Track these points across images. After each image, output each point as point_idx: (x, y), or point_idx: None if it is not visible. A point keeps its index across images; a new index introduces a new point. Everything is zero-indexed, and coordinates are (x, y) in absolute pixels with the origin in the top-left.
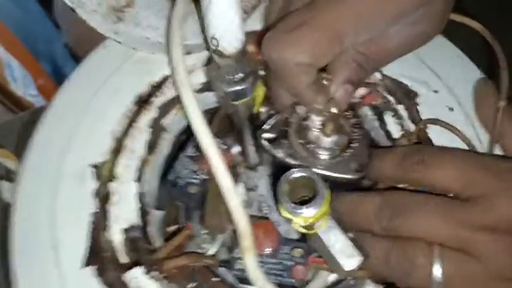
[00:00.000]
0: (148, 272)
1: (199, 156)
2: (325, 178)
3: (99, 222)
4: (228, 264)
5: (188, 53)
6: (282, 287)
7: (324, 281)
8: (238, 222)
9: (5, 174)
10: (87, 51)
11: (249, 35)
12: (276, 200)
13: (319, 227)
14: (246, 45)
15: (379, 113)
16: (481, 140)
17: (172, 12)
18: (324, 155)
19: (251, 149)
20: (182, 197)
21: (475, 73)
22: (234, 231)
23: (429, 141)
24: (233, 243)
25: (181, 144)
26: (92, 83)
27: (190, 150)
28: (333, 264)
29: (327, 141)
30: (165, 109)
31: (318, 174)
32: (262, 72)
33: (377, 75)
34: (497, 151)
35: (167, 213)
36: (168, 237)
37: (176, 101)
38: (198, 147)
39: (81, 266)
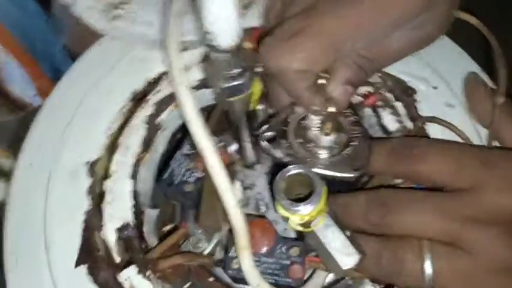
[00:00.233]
0: (142, 271)
1: (195, 154)
2: (325, 177)
3: (93, 220)
4: (223, 263)
5: (185, 49)
6: (278, 286)
7: (322, 281)
8: (234, 222)
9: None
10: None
11: (246, 31)
12: (273, 197)
13: (316, 224)
14: (242, 41)
15: (377, 111)
16: (481, 137)
17: (170, 8)
18: (323, 154)
19: (248, 147)
20: (178, 196)
21: (474, 70)
22: (230, 231)
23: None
24: (229, 242)
25: (178, 142)
26: (88, 80)
27: (186, 148)
28: (330, 263)
29: (326, 140)
30: (161, 106)
31: (317, 173)
32: (259, 69)
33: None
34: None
35: (163, 213)
36: (163, 237)
37: (172, 98)
38: (194, 145)
39: (73, 266)
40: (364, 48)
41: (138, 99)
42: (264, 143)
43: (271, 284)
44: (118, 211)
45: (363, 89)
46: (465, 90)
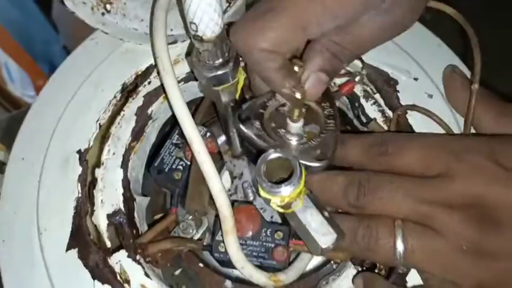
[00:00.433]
0: (132, 255)
1: (185, 144)
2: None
3: (84, 207)
4: (211, 247)
5: (173, 42)
6: (263, 268)
7: (305, 264)
8: (220, 206)
9: None
10: None
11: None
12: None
13: (296, 206)
14: (224, 31)
15: (359, 102)
16: (460, 124)
17: (157, 2)
18: (292, 141)
19: (235, 138)
20: (167, 183)
21: (454, 61)
22: (217, 216)
23: (409, 127)
24: (215, 227)
25: (168, 132)
26: (80, 73)
27: (175, 138)
28: (309, 243)
29: (294, 126)
30: (151, 98)
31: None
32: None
33: (358, 63)
34: None
35: (153, 202)
36: (153, 223)
37: (162, 90)
38: (183, 135)
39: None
40: (336, 35)
41: (129, 91)
42: (237, 122)
43: (256, 266)
44: (109, 198)
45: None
46: (443, 80)
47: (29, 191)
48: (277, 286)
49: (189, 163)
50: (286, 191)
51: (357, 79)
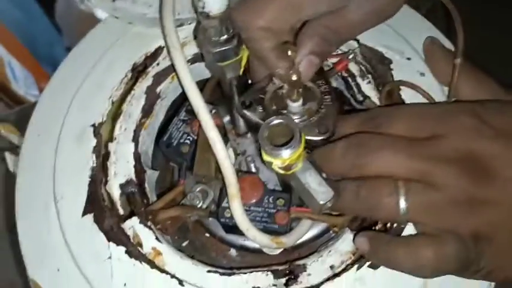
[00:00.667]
0: (143, 222)
1: (191, 120)
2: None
3: (99, 176)
4: (216, 214)
5: (180, 25)
6: (266, 232)
7: (305, 229)
8: (225, 172)
9: (8, 147)
10: None
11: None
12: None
13: (296, 167)
14: (229, 7)
15: (355, 81)
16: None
17: None
18: (294, 119)
19: (239, 116)
20: (175, 156)
21: (444, 43)
22: (221, 189)
23: (402, 102)
24: (221, 197)
25: (176, 110)
26: (93, 55)
27: (183, 115)
28: (309, 201)
29: (294, 106)
30: (159, 78)
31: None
32: None
33: (352, 43)
34: None
35: (162, 177)
36: (162, 194)
37: (170, 70)
38: (190, 112)
39: (80, 215)
40: (327, 19)
41: (139, 71)
42: (241, 108)
43: (259, 229)
44: (122, 169)
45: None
46: (424, 51)
47: (45, 162)
48: (279, 248)
49: (195, 137)
50: (287, 153)
51: (350, 57)
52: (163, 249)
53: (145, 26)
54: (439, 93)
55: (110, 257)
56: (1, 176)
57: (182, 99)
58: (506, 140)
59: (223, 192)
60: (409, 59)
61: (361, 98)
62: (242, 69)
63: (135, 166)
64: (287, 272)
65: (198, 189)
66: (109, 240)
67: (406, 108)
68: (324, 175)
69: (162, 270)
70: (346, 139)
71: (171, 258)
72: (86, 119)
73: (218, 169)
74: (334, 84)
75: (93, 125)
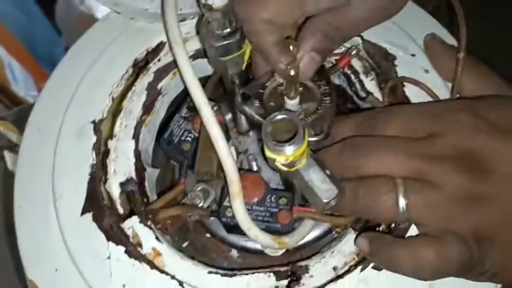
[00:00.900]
0: (143, 221)
1: (193, 117)
2: None
3: (98, 174)
4: (218, 213)
5: (183, 20)
6: (268, 231)
7: (308, 229)
8: (227, 170)
9: (7, 145)
10: None
11: None
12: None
13: (299, 164)
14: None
15: (359, 78)
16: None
17: None
18: None
19: (241, 114)
20: (176, 154)
21: (449, 40)
22: (223, 188)
23: (406, 98)
24: (222, 196)
25: (177, 107)
26: (94, 50)
27: (184, 112)
28: (313, 199)
29: (290, 104)
30: (161, 74)
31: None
32: None
33: (357, 39)
34: None
35: (162, 176)
36: (162, 193)
37: (171, 66)
38: (191, 109)
39: (79, 214)
40: (330, 16)
41: (140, 67)
42: (239, 101)
43: (261, 229)
44: (122, 167)
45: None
46: (425, 48)
47: (44, 159)
48: (281, 248)
49: (197, 135)
50: (290, 149)
51: (353, 53)
52: (163, 250)
53: (147, 21)
54: (443, 90)
55: (109, 257)
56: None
57: (184, 96)
58: (502, 134)
59: (224, 191)
60: (413, 55)
61: (364, 95)
62: (245, 64)
63: (135, 164)
64: (289, 273)
65: (199, 188)
66: (108, 239)
67: (402, 108)
68: (328, 172)
69: (162, 271)
70: (342, 142)
71: (171, 258)
72: (86, 115)
73: (220, 167)
74: (336, 81)
75: (93, 122)
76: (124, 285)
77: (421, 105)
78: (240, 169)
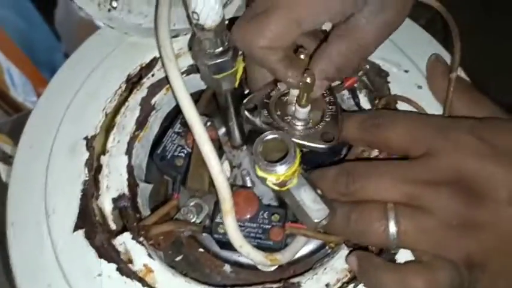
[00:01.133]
0: (136, 237)
1: (186, 132)
2: (300, 147)
3: (90, 190)
4: (211, 229)
5: (176, 36)
6: (260, 248)
7: (300, 246)
8: (219, 187)
9: (1, 157)
10: None
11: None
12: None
13: (290, 184)
14: (224, 20)
15: (354, 93)
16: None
17: None
18: (299, 126)
19: (235, 129)
20: (169, 169)
21: (444, 56)
22: (216, 203)
23: None
24: (215, 212)
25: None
26: (87, 65)
27: (177, 127)
28: (304, 218)
29: (302, 112)
30: (154, 89)
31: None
32: None
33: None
34: None
35: (156, 192)
36: (155, 208)
37: (165, 82)
38: (185, 124)
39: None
40: (343, 44)
41: (133, 82)
42: (245, 112)
43: (253, 246)
44: (114, 183)
45: None
46: (427, 67)
47: (37, 175)
48: (273, 265)
49: (190, 150)
50: (281, 169)
51: (360, 73)
52: (155, 266)
53: (141, 36)
54: (436, 108)
55: (100, 274)
56: None
57: (177, 111)
58: (502, 158)
59: (217, 207)
60: (406, 71)
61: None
62: (238, 82)
63: (128, 180)
64: None
65: (192, 204)
66: (100, 256)
67: (407, 114)
68: (320, 192)
69: None
70: (336, 167)
71: (162, 275)
72: (79, 131)
73: (212, 183)
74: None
75: (86, 138)
76: None
77: (427, 116)
78: (233, 185)
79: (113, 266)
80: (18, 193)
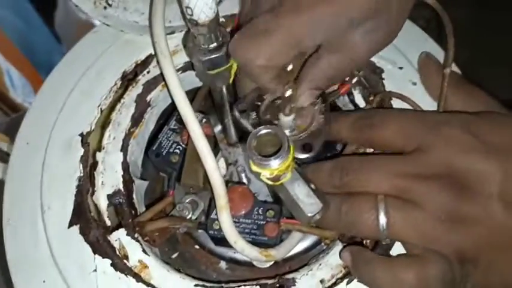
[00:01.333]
0: (131, 234)
1: (181, 129)
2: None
3: (86, 186)
4: (206, 225)
5: (171, 32)
6: (255, 244)
7: (295, 241)
8: (214, 183)
9: None
10: None
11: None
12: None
13: (284, 178)
14: (218, 15)
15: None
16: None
17: None
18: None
19: (230, 125)
20: (165, 166)
21: (438, 53)
22: (211, 199)
23: None
24: (210, 208)
25: (166, 119)
26: (83, 62)
27: (173, 124)
28: (297, 213)
29: (285, 120)
30: (150, 86)
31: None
32: None
33: None
34: None
35: (152, 188)
36: (151, 205)
37: (160, 79)
38: (180, 121)
39: (66, 227)
40: (334, 57)
41: (129, 79)
42: (236, 112)
43: (248, 242)
44: (109, 179)
45: None
46: (419, 65)
47: (33, 172)
48: (268, 261)
49: (185, 147)
50: (275, 163)
51: (354, 80)
52: (150, 262)
53: (137, 33)
54: (430, 103)
55: (95, 270)
56: None
57: (172, 108)
58: (493, 153)
59: (212, 203)
60: (401, 68)
61: (352, 108)
62: (232, 78)
63: (123, 176)
64: (276, 286)
65: (187, 200)
66: (95, 252)
67: (399, 112)
68: (313, 186)
69: (148, 284)
70: (331, 162)
71: (157, 271)
72: (74, 128)
73: (206, 179)
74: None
75: (81, 134)
76: None
77: (420, 113)
78: (228, 181)
79: (108, 261)
80: (14, 189)
